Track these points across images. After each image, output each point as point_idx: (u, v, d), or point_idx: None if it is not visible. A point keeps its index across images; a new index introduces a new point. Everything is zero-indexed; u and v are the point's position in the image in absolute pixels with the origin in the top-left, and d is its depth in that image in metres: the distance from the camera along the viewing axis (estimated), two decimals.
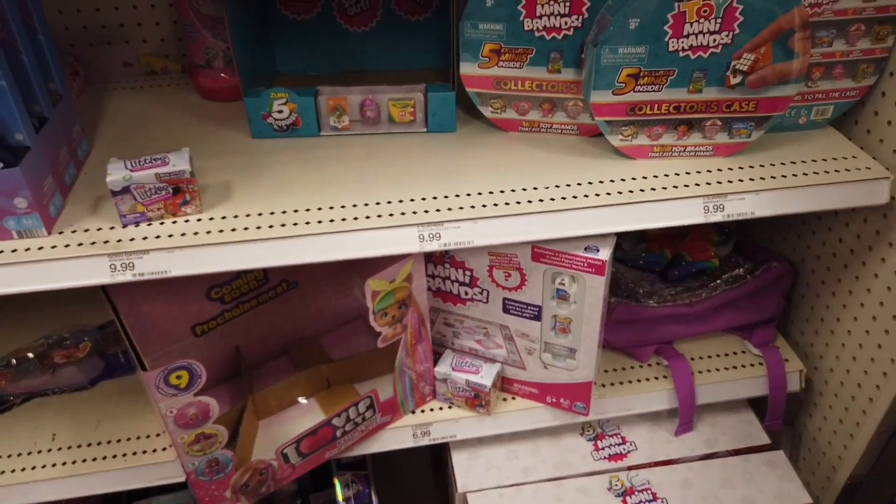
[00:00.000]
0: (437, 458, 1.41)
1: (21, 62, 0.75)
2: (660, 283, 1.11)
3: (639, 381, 1.04)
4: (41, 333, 1.12)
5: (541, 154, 0.88)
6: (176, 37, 1.10)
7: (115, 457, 0.96)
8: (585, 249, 0.82)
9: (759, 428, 1.08)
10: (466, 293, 0.93)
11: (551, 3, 0.82)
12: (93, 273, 0.73)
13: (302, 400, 1.01)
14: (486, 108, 0.92)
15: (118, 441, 0.98)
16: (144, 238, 0.75)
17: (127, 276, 0.74)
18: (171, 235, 0.75)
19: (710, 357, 1.07)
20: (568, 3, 0.82)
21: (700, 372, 1.05)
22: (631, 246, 1.18)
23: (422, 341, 0.94)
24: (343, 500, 1.05)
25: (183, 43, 1.05)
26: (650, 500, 1.00)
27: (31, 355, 1.08)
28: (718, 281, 1.06)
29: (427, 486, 1.42)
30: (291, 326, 1.11)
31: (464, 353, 1.00)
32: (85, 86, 1.08)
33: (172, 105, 1.03)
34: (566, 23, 0.83)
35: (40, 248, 0.73)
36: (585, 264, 0.82)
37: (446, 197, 0.80)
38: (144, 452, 0.96)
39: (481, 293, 0.92)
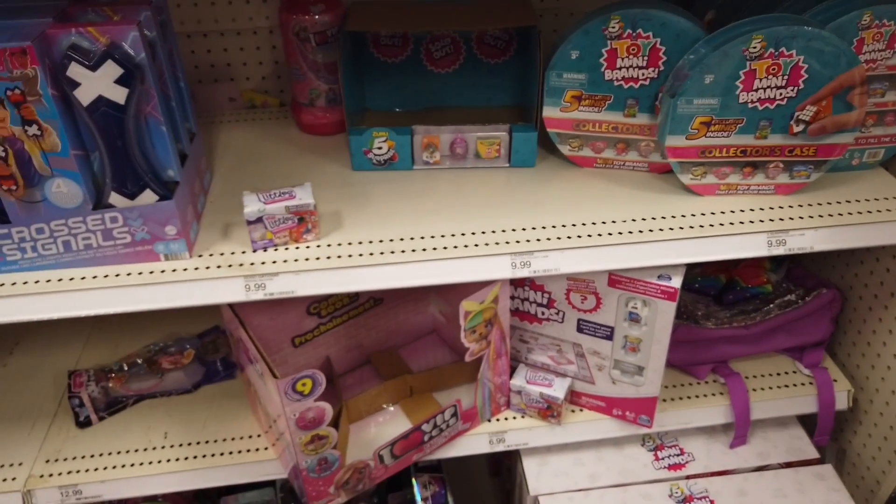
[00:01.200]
0: (494, 464, 1.51)
1: (171, 107, 0.86)
2: (715, 305, 1.20)
3: (697, 396, 1.13)
4: (145, 342, 1.24)
5: (615, 188, 0.98)
6: (276, 75, 1.22)
7: (221, 454, 1.06)
8: (658, 277, 0.92)
9: (808, 443, 1.16)
10: (543, 313, 1.02)
11: (630, 56, 0.92)
12: (230, 292, 0.84)
13: (388, 406, 1.12)
14: (564, 147, 1.01)
15: (224, 440, 1.09)
16: (273, 262, 0.85)
17: (259, 295, 0.84)
18: (296, 260, 0.85)
19: (763, 376, 1.16)
20: (646, 57, 0.91)
21: (754, 390, 1.13)
22: (687, 269, 1.26)
23: (502, 356, 1.03)
24: (422, 500, 1.15)
25: (288, 83, 1.16)
26: None
27: (140, 361, 1.20)
28: (771, 305, 1.15)
29: (486, 489, 1.51)
30: (375, 339, 1.22)
31: (537, 367, 1.10)
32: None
33: (276, 138, 1.14)
34: (643, 74, 0.93)
35: (185, 270, 0.84)
36: (658, 291, 0.92)
37: (534, 228, 0.90)
38: (248, 451, 1.07)
39: (557, 314, 1.01)
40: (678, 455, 1.15)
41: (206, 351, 1.23)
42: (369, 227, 0.91)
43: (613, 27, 0.90)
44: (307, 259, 0.86)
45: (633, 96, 0.95)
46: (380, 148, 1.02)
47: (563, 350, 1.05)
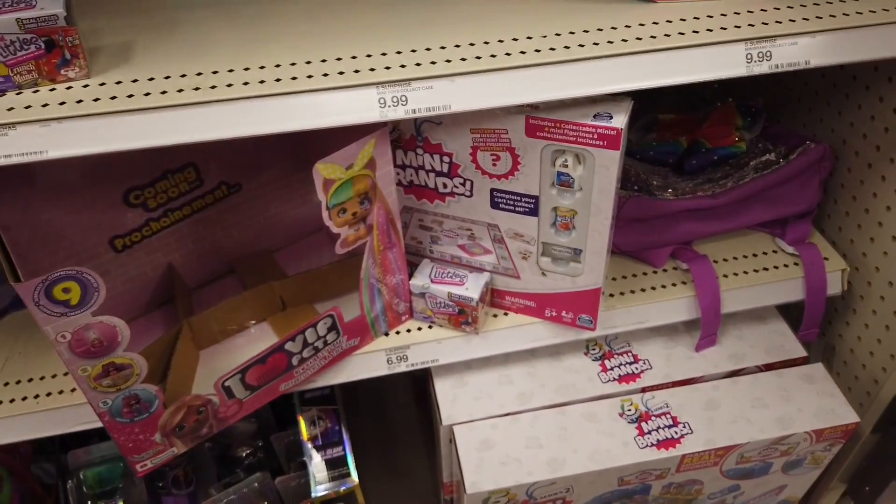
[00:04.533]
0: (420, 389, 1.27)
1: None
2: (675, 176, 0.94)
3: (653, 288, 0.88)
4: None
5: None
6: None
7: (24, 399, 0.79)
8: (595, 117, 0.64)
9: (792, 339, 0.93)
10: (445, 186, 0.75)
11: None
12: None
13: (252, 324, 0.85)
14: None
15: (29, 381, 0.81)
16: (10, 109, 0.56)
17: None
18: (45, 105, 0.56)
19: (735, 259, 0.91)
20: None
21: (725, 276, 0.89)
22: (639, 137, 1.00)
23: (392, 247, 0.76)
24: (309, 439, 0.90)
25: None
26: (669, 426, 0.85)
27: None
28: (745, 168, 0.90)
29: (409, 420, 1.28)
30: (238, 240, 0.92)
31: (445, 261, 0.83)
32: None
33: None
34: None
35: None
36: (595, 136, 0.64)
37: (414, 51, 0.62)
38: (61, 393, 0.80)
39: (463, 184, 0.74)
40: (631, 363, 0.91)
41: None
42: (171, 60, 0.62)
43: None
44: (63, 103, 0.56)
45: None
46: None
47: (476, 235, 0.79)
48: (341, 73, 0.59)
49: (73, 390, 0.80)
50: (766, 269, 0.90)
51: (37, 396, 0.80)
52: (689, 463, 0.85)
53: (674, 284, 0.89)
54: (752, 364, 0.91)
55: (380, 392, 1.32)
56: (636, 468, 0.84)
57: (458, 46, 0.62)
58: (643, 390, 0.89)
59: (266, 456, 1.02)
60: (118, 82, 0.59)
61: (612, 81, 0.62)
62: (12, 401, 0.79)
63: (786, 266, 0.90)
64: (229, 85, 0.58)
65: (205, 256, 0.91)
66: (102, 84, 0.58)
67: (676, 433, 0.85)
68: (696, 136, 0.96)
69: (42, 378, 0.81)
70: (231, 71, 0.60)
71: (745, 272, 0.89)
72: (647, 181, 0.89)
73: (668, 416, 0.86)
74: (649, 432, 0.85)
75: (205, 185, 0.82)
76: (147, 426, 0.68)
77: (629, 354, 0.92)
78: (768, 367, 0.91)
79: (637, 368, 0.91)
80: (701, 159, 0.93)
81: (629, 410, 0.87)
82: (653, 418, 0.86)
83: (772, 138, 0.95)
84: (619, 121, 0.64)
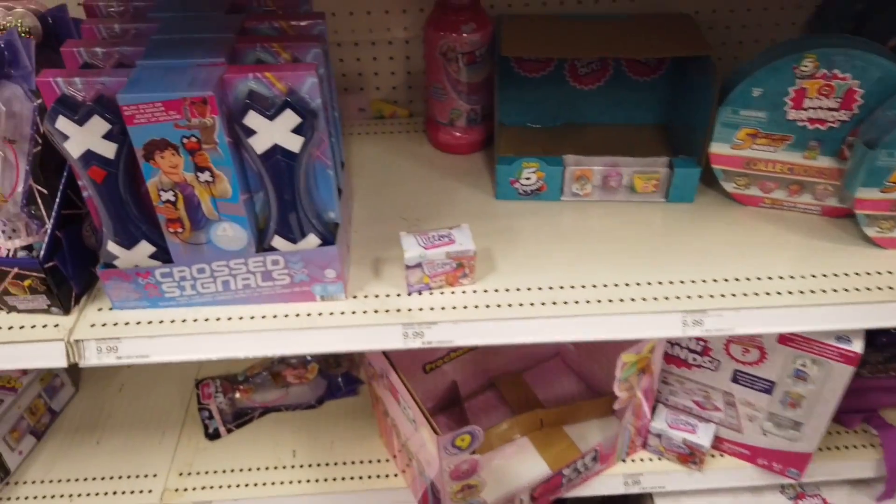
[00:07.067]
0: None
1: (333, 144, 0.83)
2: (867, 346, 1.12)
3: (846, 447, 1.06)
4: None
5: (786, 235, 0.91)
6: (406, 85, 1.17)
7: (352, 478, 1.06)
8: (837, 339, 0.85)
9: None
10: (695, 360, 0.97)
11: (821, 97, 0.83)
12: (388, 339, 0.81)
13: (517, 438, 1.09)
14: (729, 184, 0.94)
15: (352, 462, 1.08)
16: (431, 309, 0.82)
17: (417, 344, 0.81)
18: (454, 307, 0.82)
19: None
20: (839, 99, 0.83)
21: None
22: None
23: (647, 402, 0.99)
24: None
25: (423, 98, 1.10)
26: None
27: (264, 373, 1.20)
28: None
29: None
30: (500, 362, 1.19)
31: (678, 409, 1.05)
32: None
33: (409, 155, 1.09)
34: (833, 116, 0.84)
35: (342, 314, 0.81)
36: (837, 354, 0.85)
37: (704, 281, 0.84)
38: (378, 477, 1.06)
39: (711, 362, 0.96)
40: None
41: (328, 365, 1.22)
42: (523, 270, 0.87)
43: (806, 66, 0.82)
44: (465, 307, 0.82)
45: (816, 138, 0.87)
46: (528, 178, 0.97)
47: (710, 396, 1.00)
48: (655, 298, 0.82)
49: (387, 476, 1.06)
50: None
51: (360, 477, 1.06)
52: None
53: (864, 446, 1.07)
54: None
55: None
56: None
57: (737, 280, 0.84)
58: None
59: None
60: (496, 290, 0.84)
61: (852, 322, 0.82)
62: (343, 479, 1.06)
63: None
64: (576, 302, 0.82)
65: (477, 375, 1.17)
66: (485, 291, 0.84)
67: None
68: None
69: (361, 462, 1.08)
70: (572, 287, 0.83)
71: None
72: None
73: None
74: None
75: None
76: None
77: (818, 497, 1.10)
78: None
79: None
80: (892, 338, 1.10)
81: None
82: None
83: None
84: (858, 346, 0.84)
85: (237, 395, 1.16)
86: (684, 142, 1.00)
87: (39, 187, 0.79)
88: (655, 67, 1.06)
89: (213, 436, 1.13)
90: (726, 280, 0.84)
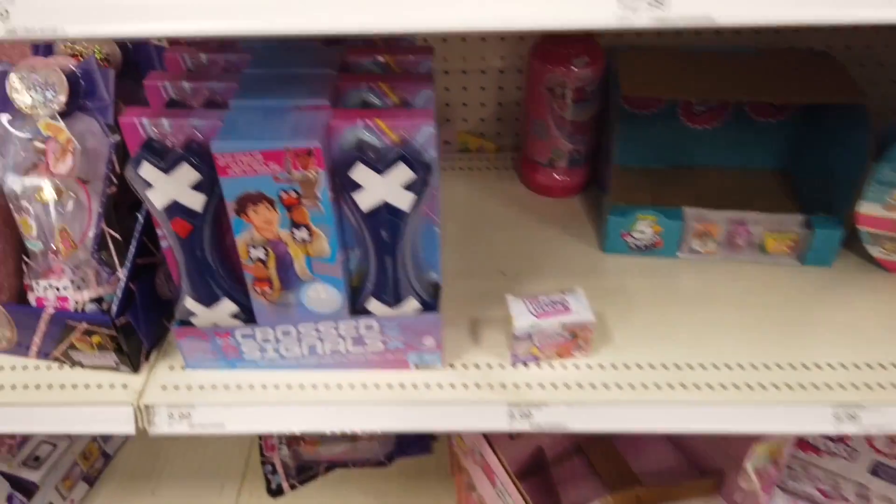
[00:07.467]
0: None
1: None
2: None
3: None
4: None
5: None
6: (495, 117, 1.08)
7: None
8: None
9: None
10: (828, 447, 0.85)
11: None
12: (491, 420, 0.71)
13: None
14: (875, 248, 0.83)
15: None
16: (540, 385, 0.72)
17: (524, 426, 0.71)
18: (566, 385, 0.72)
19: None
20: None
21: None
22: None
23: (767, 492, 0.88)
24: None
25: (526, 139, 0.99)
26: None
27: None
28: None
29: None
30: None
31: (798, 495, 0.93)
32: None
33: (501, 197, 1.00)
34: None
35: (440, 386, 0.72)
36: None
37: (856, 367, 0.73)
38: None
39: (847, 450, 0.84)
40: None
41: None
42: (641, 341, 0.76)
43: None
44: (580, 385, 0.72)
45: None
46: (642, 232, 0.86)
47: (839, 486, 0.88)
48: (802, 386, 0.71)
49: None
50: None
51: None
52: None
53: None
54: None
55: None
56: None
57: (894, 366, 0.73)
58: None
59: None
60: (613, 366, 0.74)
61: None
62: None
63: None
64: (709, 386, 0.71)
65: (564, 439, 1.06)
66: (601, 366, 0.74)
67: None
68: None
69: None
70: (702, 367, 0.73)
71: None
72: None
73: None
74: None
75: None
76: None
77: None
78: None
79: None
80: None
81: None
82: None
83: None
84: None
85: (301, 447, 1.08)
86: (817, 195, 0.89)
87: (112, 232, 0.72)
88: (781, 108, 0.95)
89: (276, 492, 1.04)
90: (882, 366, 0.73)
